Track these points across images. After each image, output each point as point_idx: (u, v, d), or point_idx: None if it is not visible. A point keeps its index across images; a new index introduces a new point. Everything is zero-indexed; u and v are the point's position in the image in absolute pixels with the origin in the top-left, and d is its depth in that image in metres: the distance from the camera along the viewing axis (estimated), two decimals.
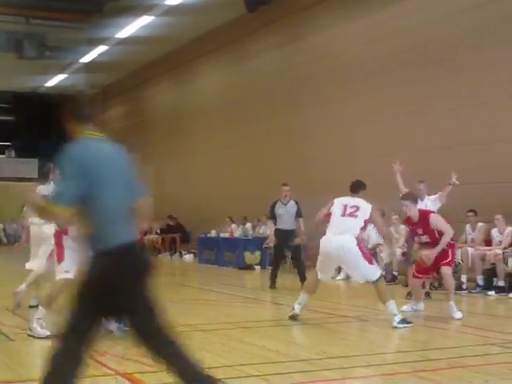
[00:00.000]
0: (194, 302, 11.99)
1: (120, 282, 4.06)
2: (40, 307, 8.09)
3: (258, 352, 7.17)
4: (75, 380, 4.04)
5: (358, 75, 17.88)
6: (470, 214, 13.65)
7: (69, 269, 8.01)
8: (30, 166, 36.89)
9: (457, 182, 12.28)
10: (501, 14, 14.30)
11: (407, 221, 9.92)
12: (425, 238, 9.61)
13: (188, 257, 23.38)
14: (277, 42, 21.58)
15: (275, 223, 14.07)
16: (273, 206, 14.07)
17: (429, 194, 12.24)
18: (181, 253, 24.11)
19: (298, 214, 13.67)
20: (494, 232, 13.32)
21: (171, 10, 22.41)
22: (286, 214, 13.81)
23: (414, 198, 9.99)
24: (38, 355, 7.33)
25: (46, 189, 9.62)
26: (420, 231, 9.63)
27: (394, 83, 16.68)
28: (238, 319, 9.67)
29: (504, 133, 14.13)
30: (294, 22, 20.56)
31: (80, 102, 4.25)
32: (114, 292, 4.05)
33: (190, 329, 8.94)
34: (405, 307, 10.01)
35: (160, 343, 4.20)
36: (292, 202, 13.92)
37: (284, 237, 13.68)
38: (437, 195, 12.24)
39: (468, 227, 13.70)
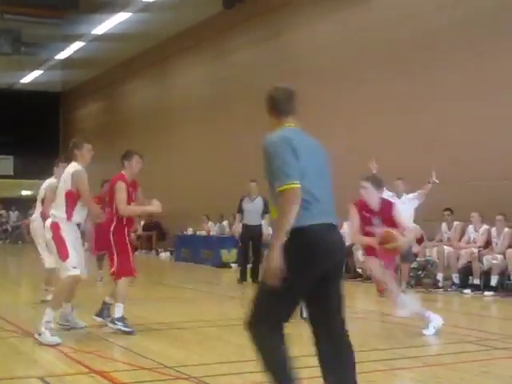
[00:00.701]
0: (171, 300, 11.94)
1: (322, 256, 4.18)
2: (48, 309, 7.46)
3: (235, 350, 7.13)
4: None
5: (337, 72, 17.87)
6: (446, 212, 13.71)
7: (76, 264, 7.54)
8: (6, 163, 36.53)
9: (436, 181, 12.37)
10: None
11: (361, 206, 8.10)
12: (380, 228, 7.98)
13: (164, 255, 23.30)
14: (255, 39, 21.54)
15: (242, 218, 14.49)
16: (241, 201, 14.47)
17: (407, 192, 12.28)
18: (157, 250, 24.02)
19: (265, 211, 13.89)
20: (470, 229, 13.39)
21: (149, 7, 22.32)
22: (253, 210, 14.23)
23: (378, 182, 8.18)
24: (6, 354, 7.22)
25: (52, 182, 9.22)
26: (376, 221, 8.03)
27: (379, 79, 16.65)
28: (215, 317, 9.62)
29: (480, 131, 14.14)
30: (271, 19, 20.54)
31: (282, 96, 4.47)
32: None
33: (166, 327, 8.92)
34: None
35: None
36: (259, 199, 14.18)
37: (250, 232, 14.32)
38: (415, 193, 12.28)
39: (444, 226, 13.76)
